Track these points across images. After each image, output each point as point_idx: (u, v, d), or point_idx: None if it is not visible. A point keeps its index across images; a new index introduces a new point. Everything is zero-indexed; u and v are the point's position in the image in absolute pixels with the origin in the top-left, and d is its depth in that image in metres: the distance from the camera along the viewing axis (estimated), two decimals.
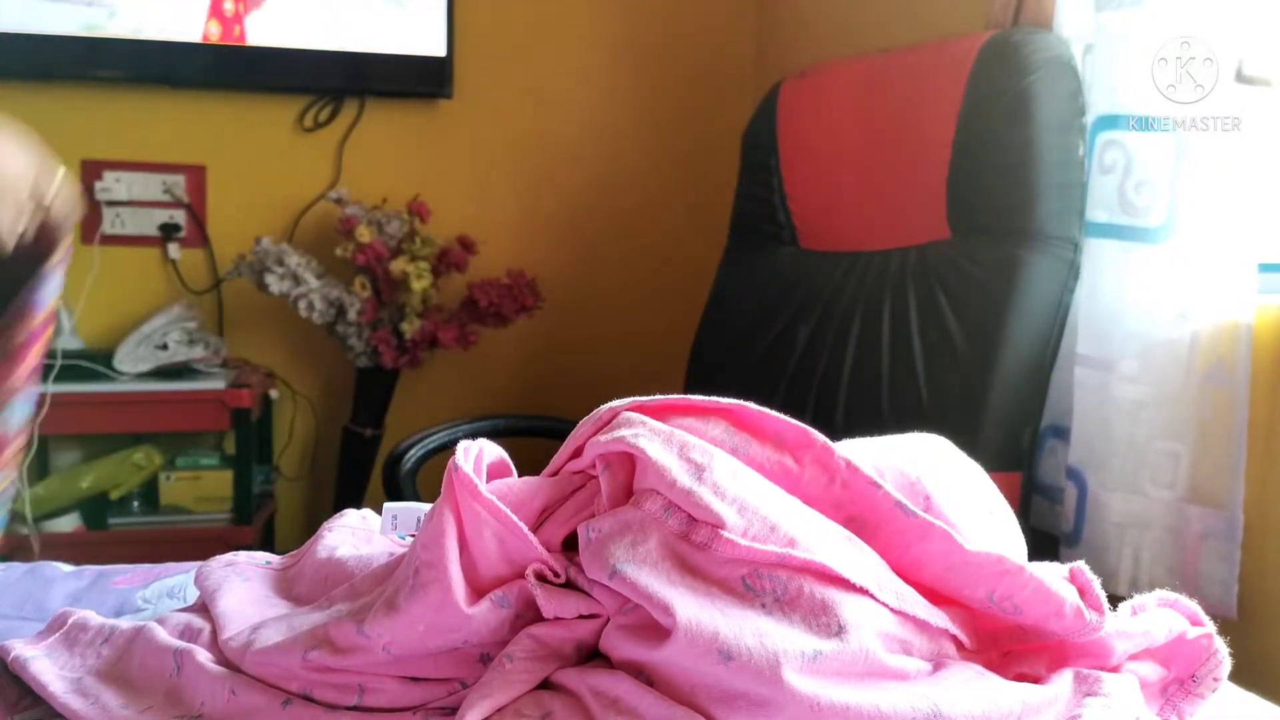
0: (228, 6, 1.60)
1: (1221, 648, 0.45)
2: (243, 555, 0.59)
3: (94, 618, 0.51)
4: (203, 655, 0.46)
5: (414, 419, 1.57)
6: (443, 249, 1.66)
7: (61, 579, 0.64)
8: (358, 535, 0.59)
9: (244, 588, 0.54)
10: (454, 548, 0.42)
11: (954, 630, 0.41)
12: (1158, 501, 0.96)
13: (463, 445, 0.45)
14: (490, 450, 0.47)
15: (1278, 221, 0.97)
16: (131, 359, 1.47)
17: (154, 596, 0.61)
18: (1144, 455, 0.97)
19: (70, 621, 0.50)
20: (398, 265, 1.59)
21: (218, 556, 0.58)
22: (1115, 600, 0.44)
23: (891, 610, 0.40)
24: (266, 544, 1.66)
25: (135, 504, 1.51)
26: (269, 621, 0.48)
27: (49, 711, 0.45)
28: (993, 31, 1.14)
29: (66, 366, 1.41)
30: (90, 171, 1.61)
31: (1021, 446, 1.07)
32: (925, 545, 0.41)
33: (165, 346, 1.50)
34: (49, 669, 0.47)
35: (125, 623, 0.50)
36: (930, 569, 0.42)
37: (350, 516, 0.61)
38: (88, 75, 1.58)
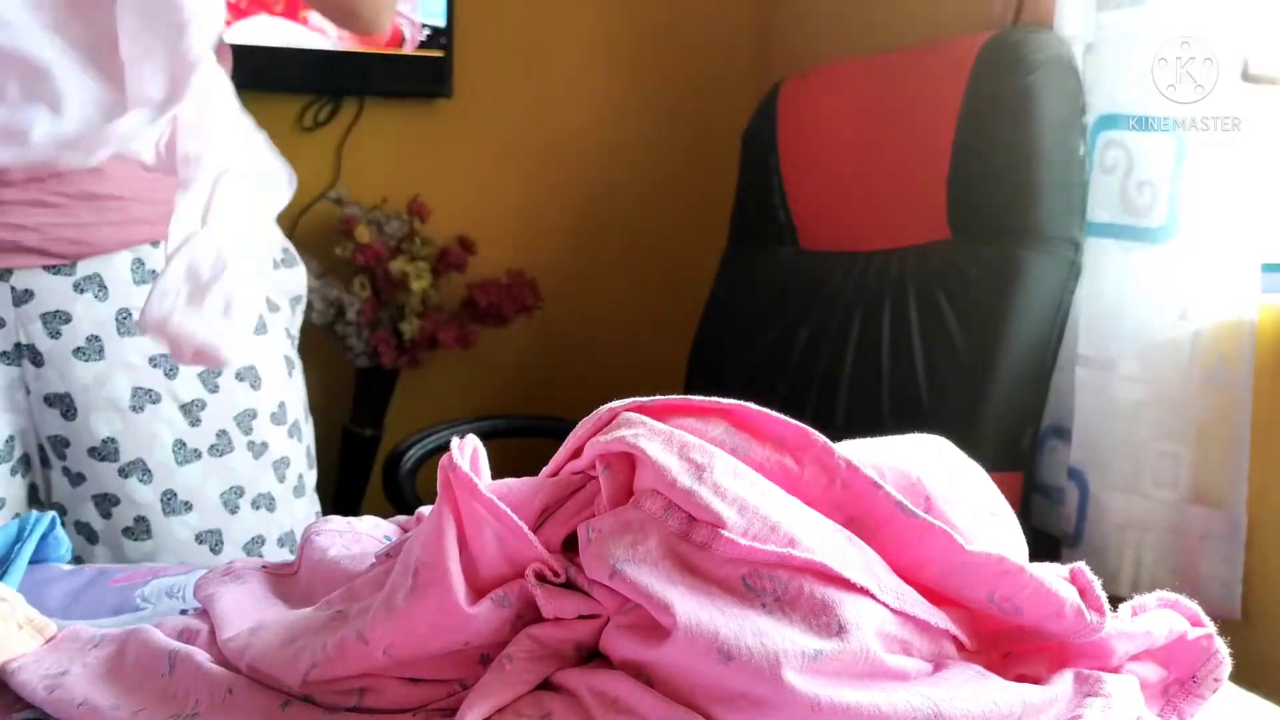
0: None
1: (1222, 648, 0.45)
2: (238, 561, 0.60)
3: (86, 629, 0.51)
4: (201, 655, 0.46)
5: (414, 419, 1.57)
6: (442, 249, 1.66)
7: (60, 577, 0.63)
8: (345, 538, 0.59)
9: (242, 590, 0.54)
10: (454, 547, 0.42)
11: (954, 631, 0.41)
12: (1159, 502, 0.96)
13: (455, 443, 0.45)
14: (475, 445, 0.47)
15: (1278, 221, 0.97)
16: None
17: (153, 595, 0.61)
18: (1144, 456, 0.97)
19: (60, 634, 0.50)
20: (397, 265, 1.59)
21: (214, 568, 0.59)
22: (1116, 601, 0.44)
23: (892, 610, 0.40)
24: None
25: None
26: (267, 624, 0.47)
27: (43, 713, 0.45)
28: (993, 31, 1.14)
29: None
30: None
31: (1022, 446, 1.07)
32: (925, 545, 0.41)
33: None
34: (34, 675, 0.46)
35: (117, 630, 0.50)
36: (930, 569, 0.42)
37: (335, 522, 0.61)
38: None
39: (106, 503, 0.75)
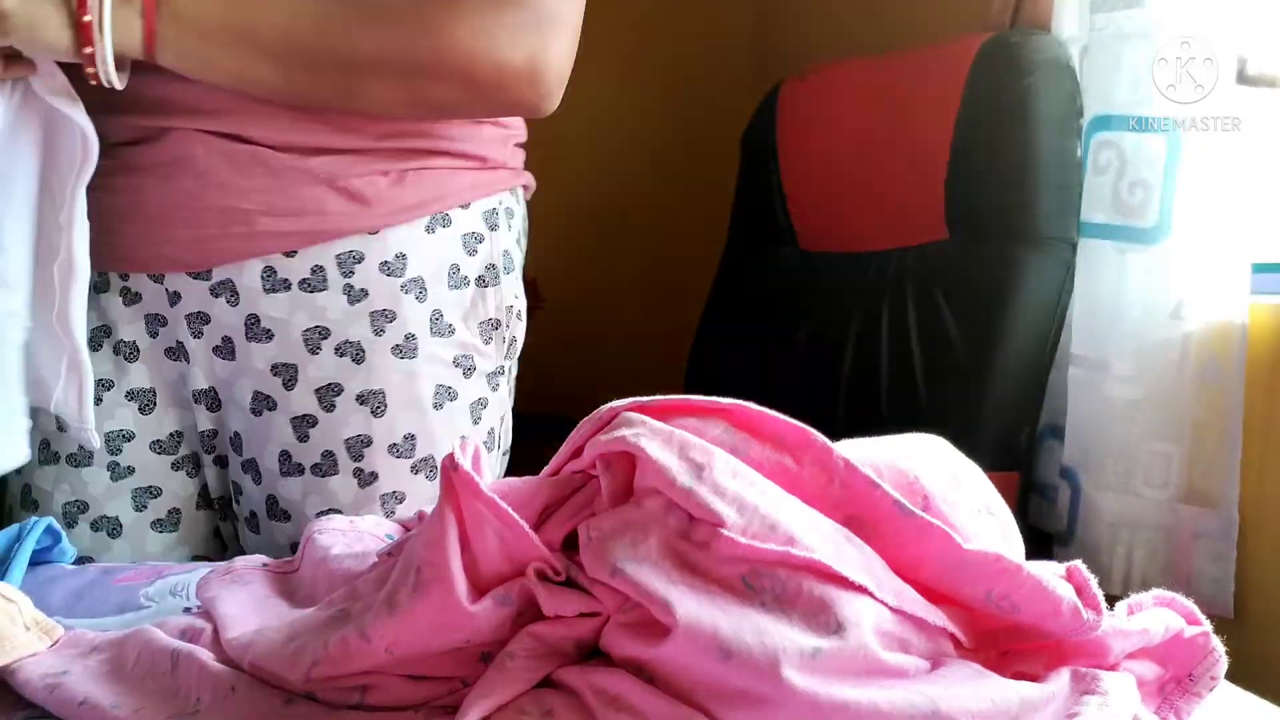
0: None
1: (1218, 646, 0.45)
2: (239, 561, 0.60)
3: (88, 633, 0.51)
4: (204, 654, 0.47)
5: None
6: None
7: (63, 576, 0.64)
8: (348, 537, 0.59)
9: (245, 591, 0.54)
10: (455, 546, 0.42)
11: (952, 629, 0.42)
12: (1150, 501, 0.96)
13: (456, 443, 0.45)
14: (476, 445, 0.47)
15: (1270, 221, 0.97)
16: None
17: (157, 594, 0.61)
18: (1137, 455, 0.97)
19: (63, 638, 0.51)
20: None
21: (215, 567, 0.59)
22: (1110, 600, 0.45)
23: (890, 609, 0.40)
24: None
25: None
26: (270, 627, 0.48)
27: (44, 712, 0.46)
28: (990, 33, 1.14)
29: None
30: None
31: (1019, 446, 1.08)
32: (923, 544, 0.42)
33: None
34: (35, 675, 0.47)
35: (119, 633, 0.50)
36: (928, 568, 0.42)
37: (338, 521, 0.62)
38: None
39: (236, 490, 0.77)
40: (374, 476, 0.74)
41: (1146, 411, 0.96)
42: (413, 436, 0.74)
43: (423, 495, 0.75)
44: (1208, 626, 0.46)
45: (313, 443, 0.73)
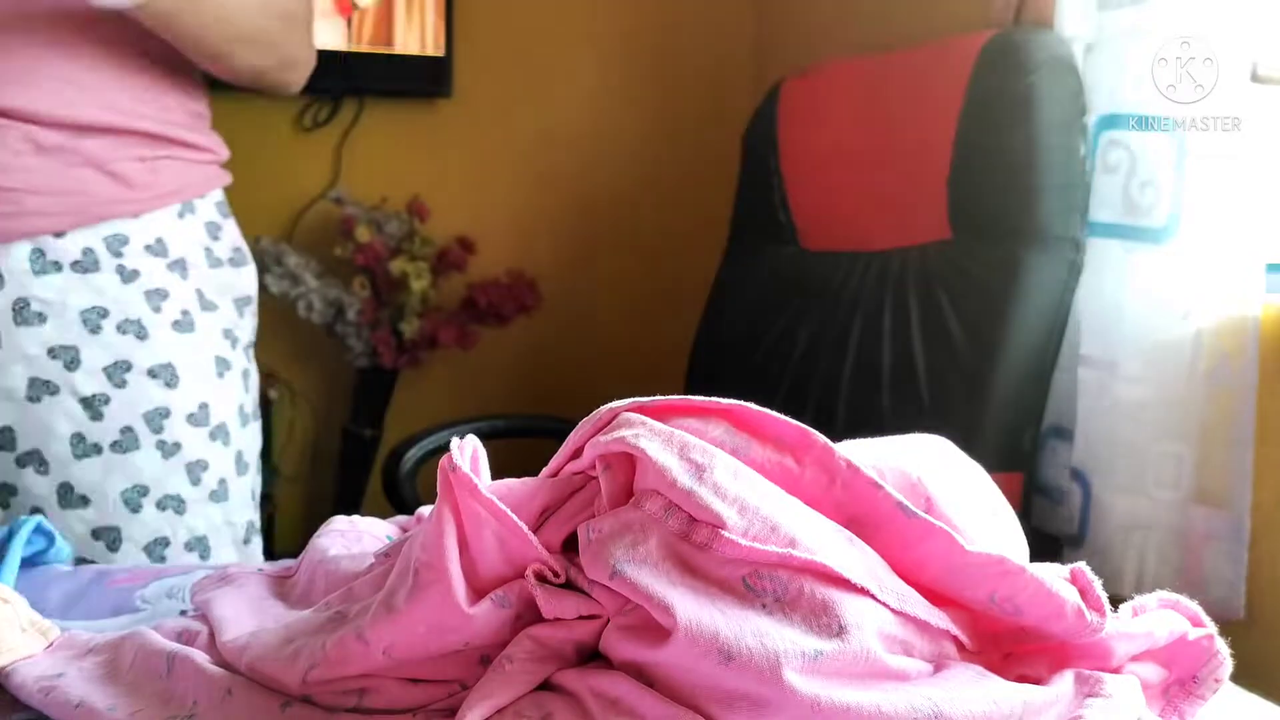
0: None
1: (1223, 649, 0.45)
2: (234, 566, 0.60)
3: (82, 634, 0.51)
4: (200, 656, 0.46)
5: (413, 419, 1.57)
6: (442, 249, 1.66)
7: (58, 578, 0.63)
8: (347, 537, 0.59)
9: (240, 593, 0.54)
10: (454, 548, 0.42)
11: (955, 631, 0.41)
12: (1161, 503, 0.96)
13: (455, 444, 0.45)
14: (475, 446, 0.47)
15: None
16: None
17: (153, 596, 0.61)
18: (1147, 456, 0.97)
19: (57, 639, 0.50)
20: (397, 265, 1.59)
21: (211, 572, 0.59)
22: (1120, 602, 0.44)
23: (892, 611, 0.40)
24: (266, 544, 1.65)
25: None
26: (266, 629, 0.47)
27: (40, 714, 0.45)
28: (994, 31, 1.14)
29: None
30: None
31: (1023, 447, 1.07)
32: (926, 546, 0.41)
33: None
34: (30, 677, 0.46)
35: (115, 634, 0.50)
36: (931, 570, 0.42)
37: (338, 521, 0.62)
38: None
39: (5, 492, 0.75)
40: (177, 447, 0.78)
41: (1156, 412, 0.96)
42: (206, 405, 0.79)
43: (221, 463, 0.80)
44: (1212, 629, 0.45)
45: (109, 420, 0.75)
